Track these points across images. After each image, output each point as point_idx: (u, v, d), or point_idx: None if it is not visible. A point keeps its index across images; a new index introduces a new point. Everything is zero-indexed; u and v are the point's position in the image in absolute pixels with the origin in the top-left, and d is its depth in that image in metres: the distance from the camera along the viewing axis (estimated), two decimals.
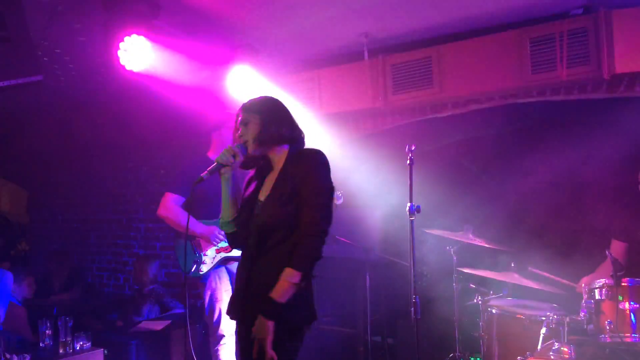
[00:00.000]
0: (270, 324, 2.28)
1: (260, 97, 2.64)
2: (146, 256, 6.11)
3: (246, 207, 2.58)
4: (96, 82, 5.75)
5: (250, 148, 2.51)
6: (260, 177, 2.64)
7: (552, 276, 3.74)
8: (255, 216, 2.50)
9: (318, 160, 2.46)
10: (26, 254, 8.17)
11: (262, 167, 2.63)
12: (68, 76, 5.52)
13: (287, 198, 2.39)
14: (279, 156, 2.56)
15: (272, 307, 2.29)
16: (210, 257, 3.85)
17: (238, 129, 2.57)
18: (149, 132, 6.23)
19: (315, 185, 2.39)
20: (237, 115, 2.60)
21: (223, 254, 3.85)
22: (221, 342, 3.86)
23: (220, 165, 2.51)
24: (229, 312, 2.61)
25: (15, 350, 3.82)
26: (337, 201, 3.74)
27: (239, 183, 2.80)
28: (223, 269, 3.93)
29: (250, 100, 2.61)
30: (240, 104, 2.61)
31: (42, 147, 7.27)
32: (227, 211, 2.59)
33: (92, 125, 6.61)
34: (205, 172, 2.52)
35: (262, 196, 2.54)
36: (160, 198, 3.91)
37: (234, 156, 2.49)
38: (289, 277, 2.29)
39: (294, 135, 2.58)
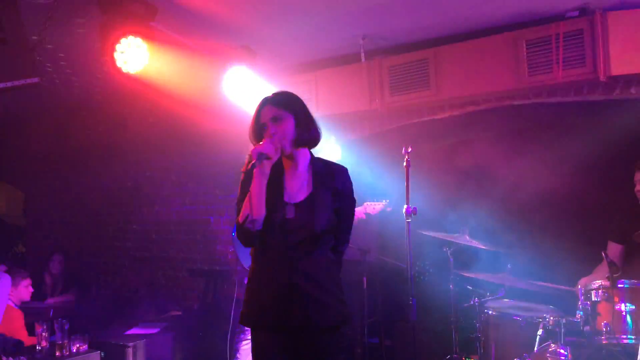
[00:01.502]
0: None
1: (288, 93, 2.54)
2: (142, 258, 6.10)
3: (269, 207, 2.38)
4: (92, 84, 5.75)
5: (286, 147, 2.41)
6: (272, 177, 2.40)
7: (548, 284, 3.74)
8: (298, 218, 2.36)
9: (350, 178, 2.56)
10: (23, 256, 8.16)
11: (273, 167, 2.43)
12: (64, 78, 5.52)
13: (335, 208, 2.46)
14: (300, 157, 2.48)
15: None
16: None
17: (265, 125, 2.41)
18: (145, 134, 6.22)
19: (352, 204, 2.58)
20: (260, 109, 2.45)
21: None
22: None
23: (265, 157, 2.32)
24: (249, 319, 2.43)
25: (11, 353, 3.80)
26: (388, 208, 4.10)
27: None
28: None
29: (278, 95, 2.49)
30: (265, 97, 2.48)
31: (39, 149, 7.26)
32: (258, 208, 2.33)
33: (88, 127, 6.61)
34: (255, 160, 2.29)
35: (289, 197, 2.41)
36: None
37: (276, 150, 2.36)
38: None
39: (318, 137, 2.54)
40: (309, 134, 2.46)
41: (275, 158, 2.35)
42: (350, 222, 2.58)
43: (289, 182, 2.46)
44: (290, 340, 2.36)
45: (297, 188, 2.44)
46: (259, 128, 2.44)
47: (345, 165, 2.58)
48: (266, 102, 2.46)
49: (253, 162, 2.29)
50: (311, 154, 2.54)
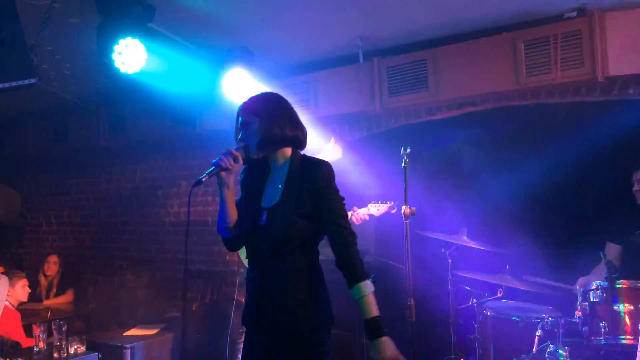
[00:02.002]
0: (388, 340, 2.26)
1: (260, 95, 2.52)
2: (141, 260, 6.09)
3: (248, 211, 2.45)
4: (90, 85, 5.74)
5: (253, 152, 2.41)
6: (258, 180, 2.51)
7: (545, 281, 3.75)
8: (267, 224, 2.38)
9: (332, 174, 2.42)
10: (20, 257, 8.13)
11: (260, 168, 2.52)
12: (62, 79, 5.51)
13: (306, 211, 2.35)
14: (281, 158, 2.47)
15: (379, 323, 2.26)
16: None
17: (239, 131, 2.46)
18: (143, 135, 6.22)
19: (334, 200, 2.40)
20: (238, 116, 2.49)
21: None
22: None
23: (220, 169, 2.38)
24: (243, 319, 2.51)
25: (9, 354, 3.79)
26: (393, 210, 3.97)
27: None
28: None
29: (249, 100, 2.48)
30: (241, 104, 2.50)
31: (36, 150, 7.25)
32: (229, 217, 2.46)
33: (86, 128, 6.60)
34: (204, 175, 2.37)
35: (266, 202, 2.44)
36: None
37: (235, 160, 2.39)
38: (368, 289, 2.29)
39: (297, 135, 2.47)
40: (275, 133, 2.39)
41: (236, 168, 2.40)
42: (335, 208, 2.39)
43: (269, 186, 2.47)
44: (267, 344, 2.39)
45: (273, 192, 2.44)
46: (236, 135, 2.50)
47: (327, 160, 2.48)
48: (239, 109, 2.50)
49: (203, 176, 2.36)
50: (295, 154, 2.48)
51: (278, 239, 2.34)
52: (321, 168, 2.41)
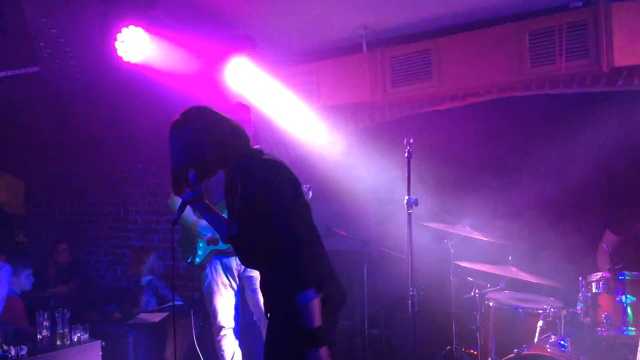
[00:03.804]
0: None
1: (173, 122, 2.32)
2: (143, 248, 6.11)
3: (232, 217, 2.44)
4: (93, 74, 5.72)
5: (190, 188, 2.33)
6: (234, 187, 2.40)
7: (543, 281, 3.74)
8: (237, 235, 2.36)
9: (264, 176, 2.23)
10: (24, 245, 8.17)
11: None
12: (65, 67, 5.49)
13: (256, 222, 2.24)
14: (234, 171, 2.35)
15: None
16: (203, 248, 3.89)
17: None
18: (146, 124, 6.20)
19: (274, 203, 2.20)
20: None
21: (212, 247, 3.86)
22: (221, 333, 3.89)
23: (185, 203, 2.37)
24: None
25: (12, 342, 3.81)
26: (307, 196, 3.68)
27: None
28: (218, 262, 3.94)
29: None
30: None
31: (39, 139, 7.26)
32: (217, 232, 2.57)
33: (89, 117, 6.59)
34: (177, 214, 2.40)
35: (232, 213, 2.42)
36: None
37: (192, 191, 2.33)
38: (302, 301, 2.13)
39: (227, 150, 2.29)
40: (198, 166, 2.28)
41: (197, 194, 2.36)
42: (282, 221, 2.19)
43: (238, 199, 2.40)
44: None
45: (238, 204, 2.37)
46: None
47: (267, 158, 2.31)
48: None
49: (177, 211, 2.41)
50: (240, 163, 2.31)
51: (245, 250, 2.39)
52: (253, 172, 2.26)
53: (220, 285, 3.90)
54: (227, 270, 3.93)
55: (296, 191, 2.27)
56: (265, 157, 2.32)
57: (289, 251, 2.17)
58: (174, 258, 2.64)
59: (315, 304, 2.13)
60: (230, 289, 3.93)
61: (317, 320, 2.12)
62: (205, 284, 3.93)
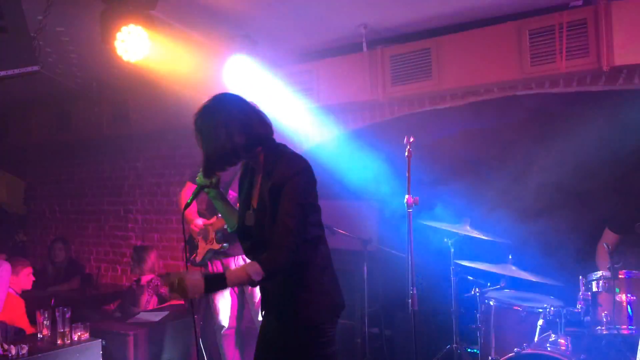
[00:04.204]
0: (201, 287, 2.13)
1: (202, 105, 2.32)
2: (144, 247, 6.10)
3: (244, 211, 2.45)
4: (93, 73, 5.73)
5: (206, 176, 2.37)
6: (250, 177, 2.46)
7: (543, 280, 3.74)
8: (252, 226, 2.37)
9: (291, 169, 2.24)
10: (24, 244, 8.17)
11: (250, 169, 2.47)
12: (65, 66, 5.50)
13: (271, 213, 2.25)
14: (257, 160, 2.36)
15: (220, 276, 2.20)
16: (201, 248, 3.90)
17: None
18: (146, 123, 6.21)
19: (288, 194, 2.21)
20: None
21: (209, 247, 3.87)
22: (222, 332, 3.89)
23: (202, 188, 2.42)
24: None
25: (13, 341, 3.82)
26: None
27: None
28: (219, 263, 3.95)
29: (196, 111, 2.32)
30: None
31: (39, 138, 7.26)
32: (229, 222, 2.54)
33: (89, 116, 6.59)
34: (192, 198, 2.46)
35: (254, 201, 2.40)
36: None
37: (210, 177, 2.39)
38: (252, 272, 2.15)
39: (254, 138, 2.29)
40: (220, 151, 2.25)
41: (214, 181, 2.41)
42: (285, 206, 2.20)
43: (256, 189, 2.42)
44: (274, 327, 2.43)
45: (257, 194, 2.39)
46: None
47: (297, 153, 2.37)
48: None
49: (193, 195, 2.47)
50: (265, 153, 2.33)
51: (258, 241, 2.34)
52: (286, 160, 2.28)
53: None
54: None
55: (312, 191, 2.32)
56: (293, 151, 2.37)
57: (277, 236, 2.20)
58: (186, 249, 2.69)
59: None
60: (230, 289, 3.94)
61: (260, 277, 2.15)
62: None
